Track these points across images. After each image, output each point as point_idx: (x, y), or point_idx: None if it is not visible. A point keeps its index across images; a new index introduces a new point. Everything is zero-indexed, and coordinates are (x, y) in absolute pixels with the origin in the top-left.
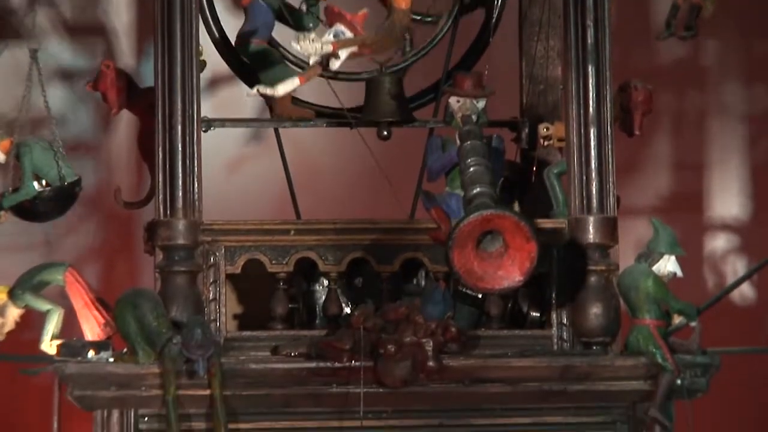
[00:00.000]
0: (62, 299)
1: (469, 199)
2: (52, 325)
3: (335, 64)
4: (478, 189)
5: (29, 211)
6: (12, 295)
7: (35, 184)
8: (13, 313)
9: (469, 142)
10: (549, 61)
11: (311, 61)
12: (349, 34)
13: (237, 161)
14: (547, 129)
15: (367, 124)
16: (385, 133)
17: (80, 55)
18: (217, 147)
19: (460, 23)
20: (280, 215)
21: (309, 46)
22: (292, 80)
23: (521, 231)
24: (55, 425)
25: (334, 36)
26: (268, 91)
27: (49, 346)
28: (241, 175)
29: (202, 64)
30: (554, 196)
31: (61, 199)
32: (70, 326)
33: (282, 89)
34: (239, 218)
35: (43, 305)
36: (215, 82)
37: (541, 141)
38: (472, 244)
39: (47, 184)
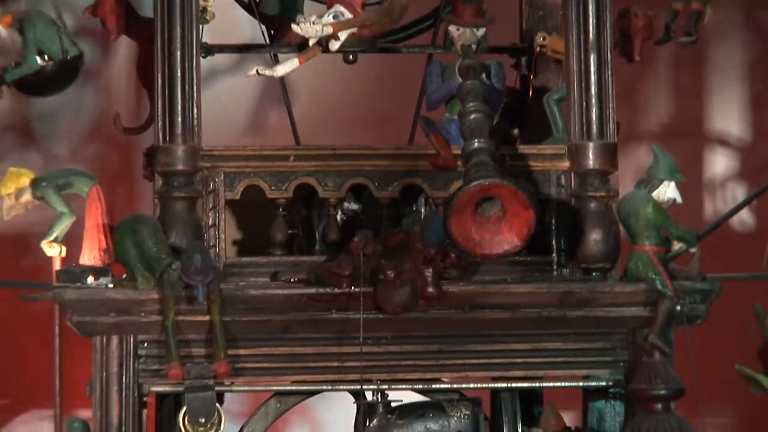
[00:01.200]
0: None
1: (468, 153)
2: (60, 228)
3: (335, 45)
4: (477, 144)
5: (32, 85)
6: (35, 183)
7: (38, 58)
8: (27, 199)
9: (469, 83)
10: None
11: (311, 43)
12: (348, 14)
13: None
14: (544, 39)
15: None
16: (351, 57)
17: None
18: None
19: None
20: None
21: (310, 28)
22: (291, 61)
23: (519, 199)
24: (56, 351)
25: (334, 17)
26: (267, 72)
27: (48, 246)
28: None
29: (210, 16)
30: (554, 122)
31: (63, 73)
32: (71, 249)
33: (281, 70)
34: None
35: (59, 205)
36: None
37: (536, 48)
38: (470, 210)
39: (50, 59)
